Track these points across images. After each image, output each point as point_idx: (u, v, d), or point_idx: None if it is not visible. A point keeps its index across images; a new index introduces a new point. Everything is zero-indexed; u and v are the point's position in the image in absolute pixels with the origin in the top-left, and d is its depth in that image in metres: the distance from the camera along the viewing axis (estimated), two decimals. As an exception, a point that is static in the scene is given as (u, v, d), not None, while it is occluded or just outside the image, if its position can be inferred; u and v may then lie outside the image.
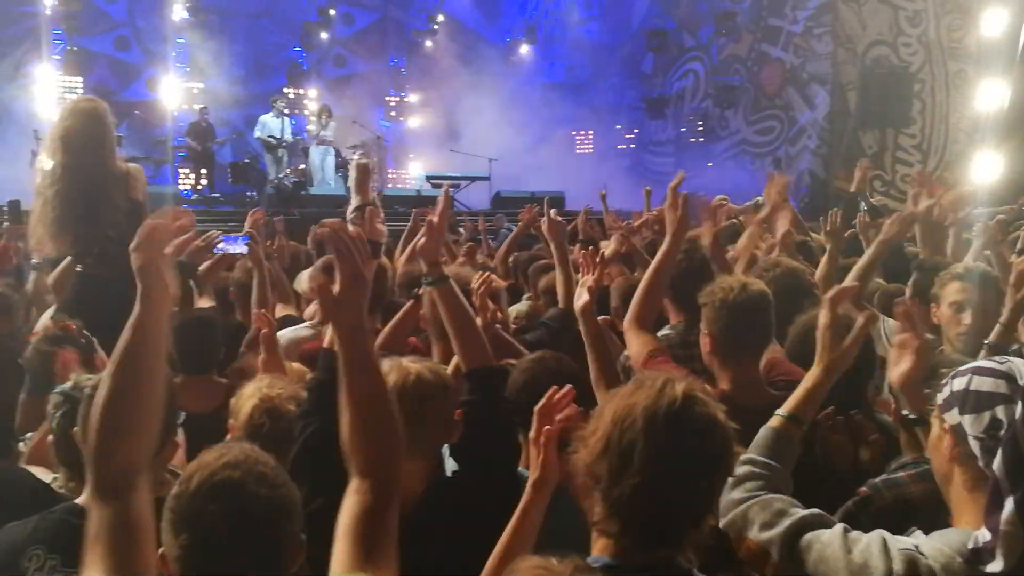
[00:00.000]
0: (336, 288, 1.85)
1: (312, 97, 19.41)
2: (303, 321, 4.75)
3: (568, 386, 2.40)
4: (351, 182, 2.82)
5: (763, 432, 2.29)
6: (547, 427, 2.26)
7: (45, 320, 4.75)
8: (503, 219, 12.59)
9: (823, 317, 2.37)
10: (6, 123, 16.97)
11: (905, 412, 2.41)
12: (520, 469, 2.70)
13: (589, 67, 21.72)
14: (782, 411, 2.31)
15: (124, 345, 1.77)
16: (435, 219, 2.85)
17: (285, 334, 4.24)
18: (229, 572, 1.70)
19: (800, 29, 18.17)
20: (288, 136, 16.22)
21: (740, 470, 2.17)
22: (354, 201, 2.76)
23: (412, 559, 2.38)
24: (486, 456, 2.53)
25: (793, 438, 2.28)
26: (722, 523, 2.15)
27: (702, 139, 20.33)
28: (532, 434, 2.28)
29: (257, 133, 16.33)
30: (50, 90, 17.32)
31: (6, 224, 6.54)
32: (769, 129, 19.12)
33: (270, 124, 16.21)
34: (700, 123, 20.44)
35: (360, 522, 1.78)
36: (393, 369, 2.51)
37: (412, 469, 2.48)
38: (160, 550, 1.71)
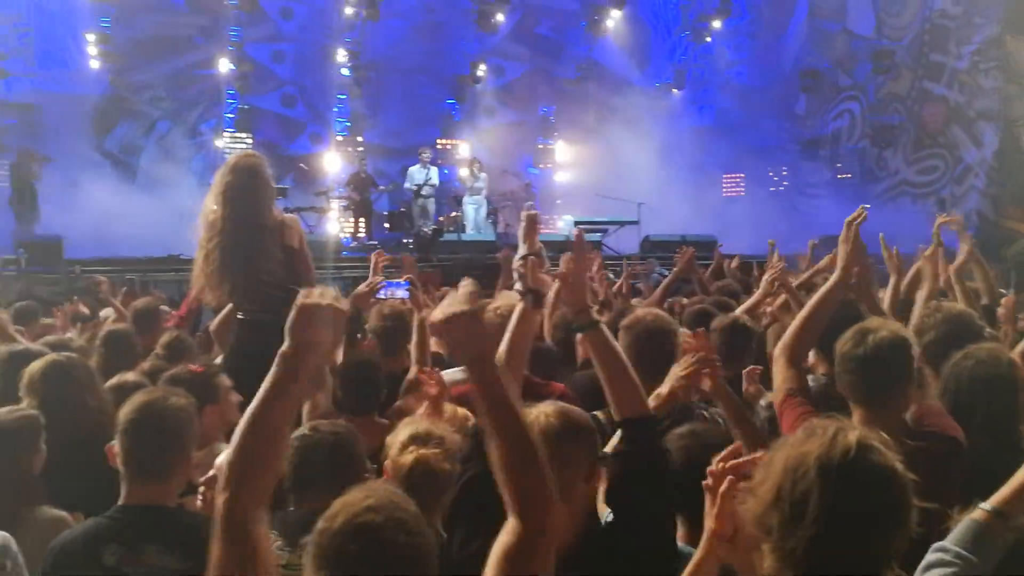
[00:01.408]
0: (448, 328, 1.89)
1: (463, 148, 19.98)
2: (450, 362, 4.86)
3: (737, 443, 2.37)
4: (520, 231, 2.86)
5: (964, 523, 2.11)
6: (729, 476, 2.19)
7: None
8: (655, 263, 12.50)
9: None
10: (183, 180, 18.19)
11: None
12: (681, 545, 2.66)
13: (739, 109, 21.44)
14: (987, 504, 2.10)
15: (256, 406, 1.89)
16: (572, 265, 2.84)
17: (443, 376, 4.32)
18: None
19: (965, 65, 17.44)
20: (434, 181, 16.87)
21: (930, 557, 2.04)
22: (521, 250, 2.80)
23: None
24: (639, 508, 2.50)
25: (997, 535, 2.06)
26: None
27: (859, 180, 19.68)
28: (710, 482, 2.22)
29: (407, 184, 17.07)
30: (223, 147, 18.50)
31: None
32: (932, 168, 18.34)
33: (416, 175, 17.03)
34: (857, 164, 19.82)
35: (502, 561, 1.79)
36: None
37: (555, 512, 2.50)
38: None
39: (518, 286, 2.82)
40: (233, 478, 1.86)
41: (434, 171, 17.06)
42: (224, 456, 1.91)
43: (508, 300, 3.85)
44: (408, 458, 2.86)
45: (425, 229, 16.16)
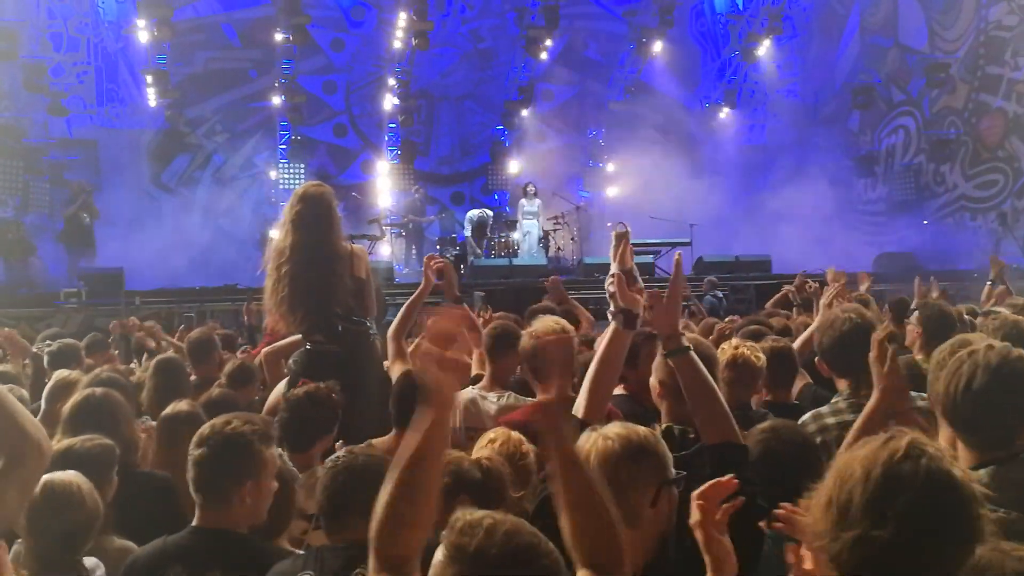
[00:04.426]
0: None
1: (514, 172, 20.07)
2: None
3: (729, 476, 2.28)
4: (610, 249, 2.78)
5: None
6: (699, 503, 2.15)
7: (277, 393, 5.03)
8: (709, 284, 12.38)
9: None
10: (239, 211, 18.50)
11: None
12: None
13: (791, 127, 21.24)
14: None
15: (413, 446, 1.87)
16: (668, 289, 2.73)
17: (465, 394, 4.24)
18: None
19: (1023, 76, 17.12)
20: (488, 214, 17.22)
21: None
22: (612, 268, 2.74)
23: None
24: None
25: None
26: None
27: (915, 196, 19.35)
28: (691, 520, 2.19)
29: (467, 232, 17.20)
30: (277, 177, 18.79)
31: (254, 304, 7.01)
32: (991, 183, 17.97)
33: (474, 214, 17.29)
34: (912, 180, 19.49)
35: None
36: (588, 438, 2.45)
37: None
38: None
39: (611, 307, 2.75)
40: (387, 520, 1.83)
41: (488, 213, 17.37)
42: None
43: (543, 324, 3.79)
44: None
45: (446, 254, 16.21)
